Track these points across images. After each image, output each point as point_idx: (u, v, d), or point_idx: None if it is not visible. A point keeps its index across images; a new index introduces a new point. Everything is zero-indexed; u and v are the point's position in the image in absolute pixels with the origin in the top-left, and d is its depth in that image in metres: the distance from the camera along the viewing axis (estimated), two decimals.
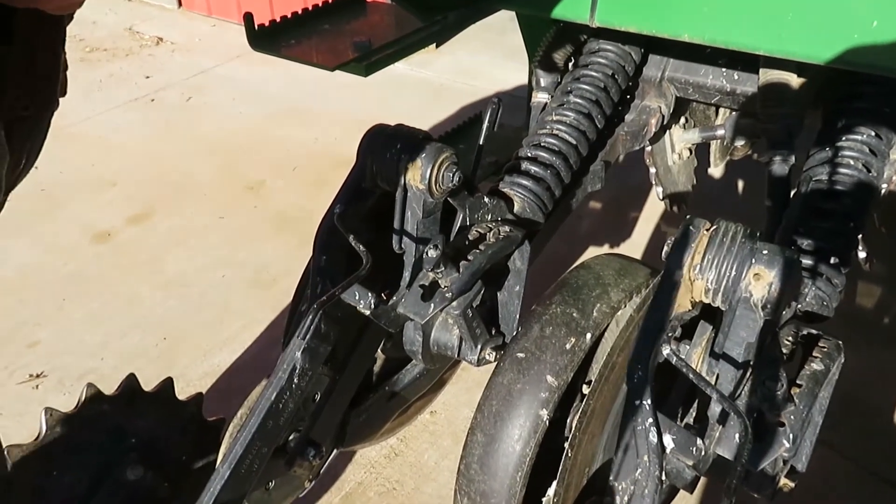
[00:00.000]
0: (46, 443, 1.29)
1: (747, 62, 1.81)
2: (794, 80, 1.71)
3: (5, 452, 1.25)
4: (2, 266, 3.10)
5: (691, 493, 1.38)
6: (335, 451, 1.57)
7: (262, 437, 1.27)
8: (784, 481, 1.19)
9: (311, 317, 1.28)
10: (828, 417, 1.18)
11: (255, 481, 1.30)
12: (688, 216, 1.15)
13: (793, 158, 1.77)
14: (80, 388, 1.38)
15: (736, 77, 1.87)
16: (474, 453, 1.22)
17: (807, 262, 1.44)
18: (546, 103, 1.91)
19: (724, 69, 1.89)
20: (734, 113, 2.10)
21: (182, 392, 1.61)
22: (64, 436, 1.30)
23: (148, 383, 1.54)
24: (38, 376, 2.57)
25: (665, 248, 1.12)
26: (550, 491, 1.24)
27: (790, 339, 1.24)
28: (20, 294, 2.95)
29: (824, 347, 1.23)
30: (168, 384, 1.49)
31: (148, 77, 4.85)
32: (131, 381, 1.42)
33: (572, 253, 2.98)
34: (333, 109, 4.32)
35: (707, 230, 1.11)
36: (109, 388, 1.46)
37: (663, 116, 1.96)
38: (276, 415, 1.29)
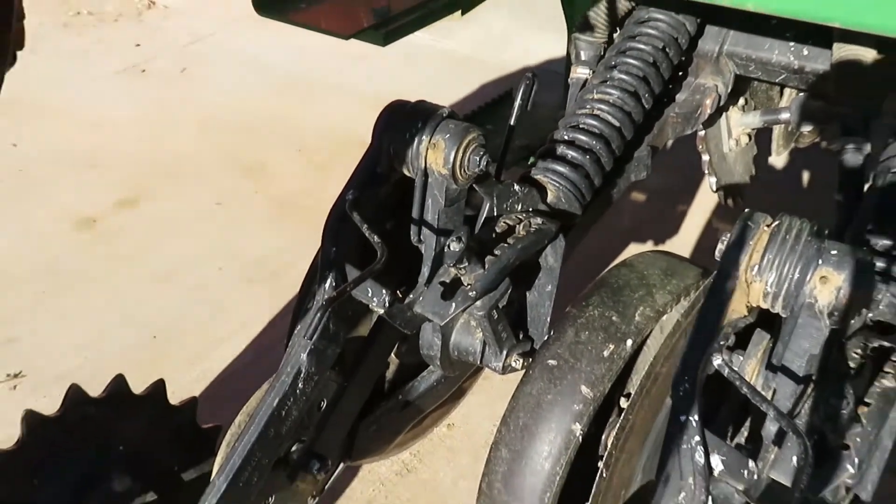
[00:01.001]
0: (26, 449, 1.32)
1: (819, 36, 1.79)
2: (873, 58, 1.70)
3: None
4: None
5: None
6: (342, 465, 1.59)
7: (263, 448, 1.30)
8: None
9: (318, 315, 1.31)
10: None
11: (255, 496, 1.33)
12: (746, 210, 1.15)
13: (868, 147, 1.75)
14: (60, 389, 1.42)
15: (805, 53, 1.86)
16: (498, 471, 1.23)
17: (880, 264, 1.43)
18: (586, 79, 1.91)
19: (791, 43, 1.88)
20: (801, 94, 2.08)
21: (173, 396, 1.64)
22: (46, 442, 1.33)
23: (136, 386, 1.57)
24: (15, 376, 2.63)
25: (719, 246, 1.13)
26: None
27: (858, 351, 1.24)
28: None
29: None
30: (159, 387, 1.52)
31: (138, 45, 4.91)
32: (119, 383, 1.46)
33: (611, 250, 2.98)
34: (346, 84, 4.34)
35: (768, 226, 1.11)
36: (93, 390, 1.50)
37: (720, 96, 1.95)
38: (279, 423, 1.32)
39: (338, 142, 3.81)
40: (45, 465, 1.32)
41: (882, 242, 1.48)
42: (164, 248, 3.21)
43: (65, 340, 2.77)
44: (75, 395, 1.39)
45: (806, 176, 3.53)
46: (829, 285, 1.05)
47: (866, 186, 1.74)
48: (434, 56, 4.63)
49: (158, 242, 3.24)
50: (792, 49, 1.88)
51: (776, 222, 1.12)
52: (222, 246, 3.21)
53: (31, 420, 1.33)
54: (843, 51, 1.74)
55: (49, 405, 1.38)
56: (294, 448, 1.47)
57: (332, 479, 1.59)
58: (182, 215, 3.40)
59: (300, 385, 1.33)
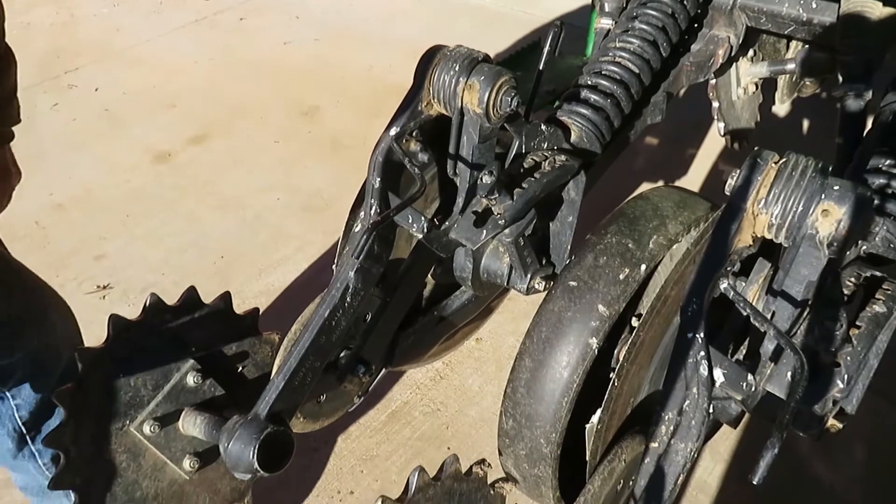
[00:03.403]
0: (114, 348, 1.34)
1: None
2: (879, 10, 1.60)
3: (76, 355, 1.31)
4: (69, 182, 3.19)
5: (735, 428, 1.37)
6: (384, 370, 1.60)
7: (315, 353, 1.30)
8: (832, 422, 1.16)
9: (364, 237, 1.29)
10: (881, 365, 1.14)
11: (308, 394, 1.34)
12: (756, 148, 1.09)
13: (869, 94, 1.67)
14: (143, 299, 1.43)
15: (814, 6, 1.76)
16: (522, 378, 1.22)
17: (877, 201, 1.37)
18: (610, 30, 1.83)
19: None
20: (807, 46, 1.98)
21: (238, 307, 1.65)
22: (130, 342, 1.35)
23: (206, 297, 1.58)
24: (104, 287, 2.67)
25: (729, 181, 1.08)
26: (594, 418, 1.24)
27: (853, 280, 1.20)
28: (86, 209, 3.05)
29: (888, 290, 1.18)
30: (226, 298, 1.52)
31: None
32: (192, 294, 1.46)
33: (626, 187, 2.91)
34: (388, 35, 4.23)
35: (775, 163, 1.06)
36: (170, 299, 1.50)
37: (732, 47, 1.86)
38: (329, 332, 1.31)
39: (381, 87, 3.73)
40: (128, 362, 1.34)
41: (879, 181, 1.41)
42: (230, 180, 3.20)
43: (146, 257, 2.80)
44: (154, 303, 1.40)
45: (805, 124, 3.39)
46: (830, 218, 1.00)
47: (865, 132, 1.66)
48: (467, 11, 4.49)
49: (224, 174, 3.24)
50: (802, 2, 1.78)
51: (783, 160, 1.06)
52: (280, 178, 3.20)
53: (117, 323, 1.34)
54: (850, 4, 1.64)
55: (132, 312, 1.39)
56: (343, 354, 1.48)
57: (375, 382, 1.60)
58: (245, 151, 3.38)
59: (348, 299, 1.32)
